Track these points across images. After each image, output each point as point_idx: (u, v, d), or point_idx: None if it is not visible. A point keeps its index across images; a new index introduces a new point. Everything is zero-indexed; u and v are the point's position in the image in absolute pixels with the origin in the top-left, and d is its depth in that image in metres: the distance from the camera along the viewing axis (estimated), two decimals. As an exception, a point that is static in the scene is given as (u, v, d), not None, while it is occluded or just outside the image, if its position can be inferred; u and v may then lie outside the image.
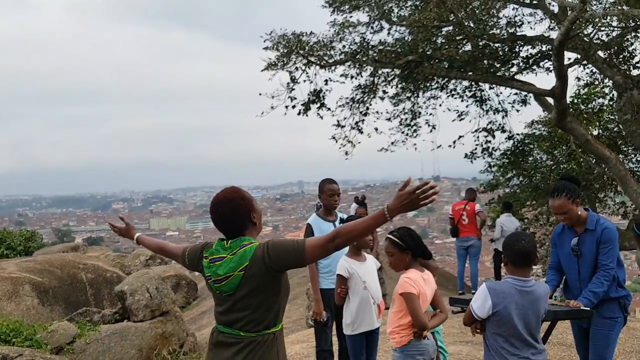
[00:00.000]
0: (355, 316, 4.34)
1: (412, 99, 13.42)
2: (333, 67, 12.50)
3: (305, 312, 8.75)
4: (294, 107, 12.67)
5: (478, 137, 13.98)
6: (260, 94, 12.49)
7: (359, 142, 13.35)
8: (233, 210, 2.71)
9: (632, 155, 14.20)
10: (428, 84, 12.96)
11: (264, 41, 12.07)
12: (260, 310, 2.63)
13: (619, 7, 10.63)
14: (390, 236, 3.75)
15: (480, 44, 11.76)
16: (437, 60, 11.70)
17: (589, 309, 3.94)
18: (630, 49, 12.36)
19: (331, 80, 12.65)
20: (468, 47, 11.99)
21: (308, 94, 12.72)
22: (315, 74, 12.52)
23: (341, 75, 12.72)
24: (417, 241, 3.72)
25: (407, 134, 13.68)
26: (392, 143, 13.68)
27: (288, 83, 12.50)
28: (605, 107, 14.43)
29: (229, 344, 2.66)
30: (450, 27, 11.79)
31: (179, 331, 8.47)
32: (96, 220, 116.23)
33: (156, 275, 9.15)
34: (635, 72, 11.99)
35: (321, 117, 12.99)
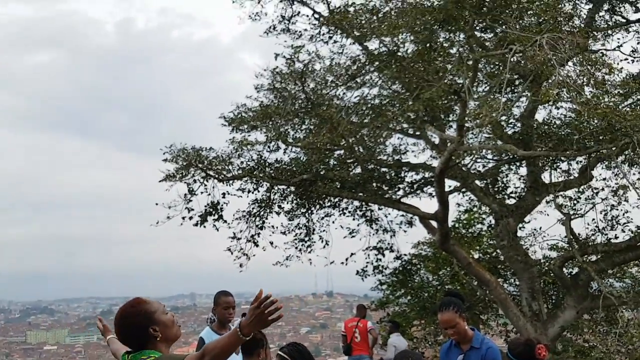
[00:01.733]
0: None
1: (306, 215, 13.78)
2: (231, 181, 12.73)
3: None
4: (190, 218, 12.61)
5: (369, 255, 14.43)
6: (157, 204, 12.37)
7: (254, 255, 13.35)
8: (129, 326, 2.68)
9: (511, 279, 14.74)
10: (321, 202, 13.43)
11: (164, 153, 12.21)
12: None
13: (493, 142, 11.81)
14: (280, 352, 3.73)
15: (369, 167, 12.51)
16: (329, 180, 12.28)
17: None
18: (504, 180, 13.54)
19: (228, 194, 12.81)
20: (358, 170, 12.73)
21: (205, 206, 12.75)
22: (213, 187, 12.68)
23: (238, 189, 12.93)
24: (306, 357, 3.72)
25: (301, 249, 13.88)
26: (287, 258, 13.80)
27: (185, 194, 12.52)
28: (484, 233, 15.35)
29: None
30: (342, 151, 12.53)
31: None
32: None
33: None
34: (510, 202, 12.99)
35: (217, 229, 12.97)
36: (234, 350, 2.47)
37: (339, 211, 13.73)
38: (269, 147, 12.72)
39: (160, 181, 12.25)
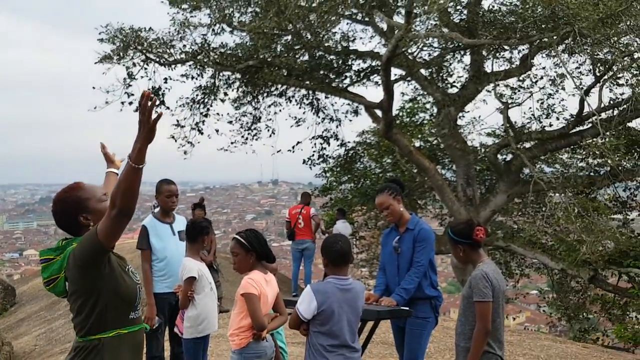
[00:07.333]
0: (203, 318, 4.34)
1: (253, 103, 13.60)
2: (173, 66, 12.29)
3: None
4: (130, 103, 12.20)
5: (315, 143, 14.60)
6: (94, 88, 11.87)
7: (199, 142, 13.25)
8: (60, 211, 2.64)
9: (449, 167, 15.33)
10: (268, 90, 13.23)
11: (99, 33, 11.56)
12: (83, 315, 2.52)
13: (439, 30, 11.73)
14: (236, 236, 3.77)
15: (317, 54, 12.28)
16: (276, 67, 12.01)
17: (408, 308, 4.30)
18: (448, 68, 13.66)
19: (171, 79, 12.44)
20: (305, 57, 12.48)
21: (146, 91, 12.33)
22: (154, 72, 12.27)
23: (182, 75, 12.58)
24: (262, 243, 3.76)
25: (247, 137, 13.83)
26: (232, 143, 13.77)
27: (124, 78, 12.06)
28: (426, 122, 15.70)
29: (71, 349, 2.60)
30: (289, 37, 12.18)
31: (-8, 342, 7.74)
32: None
33: (-34, 281, 8.28)
34: (452, 91, 13.19)
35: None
36: (134, 180, 2.32)
37: (286, 99, 13.64)
38: (213, 30, 12.22)
39: (96, 63, 11.74)
